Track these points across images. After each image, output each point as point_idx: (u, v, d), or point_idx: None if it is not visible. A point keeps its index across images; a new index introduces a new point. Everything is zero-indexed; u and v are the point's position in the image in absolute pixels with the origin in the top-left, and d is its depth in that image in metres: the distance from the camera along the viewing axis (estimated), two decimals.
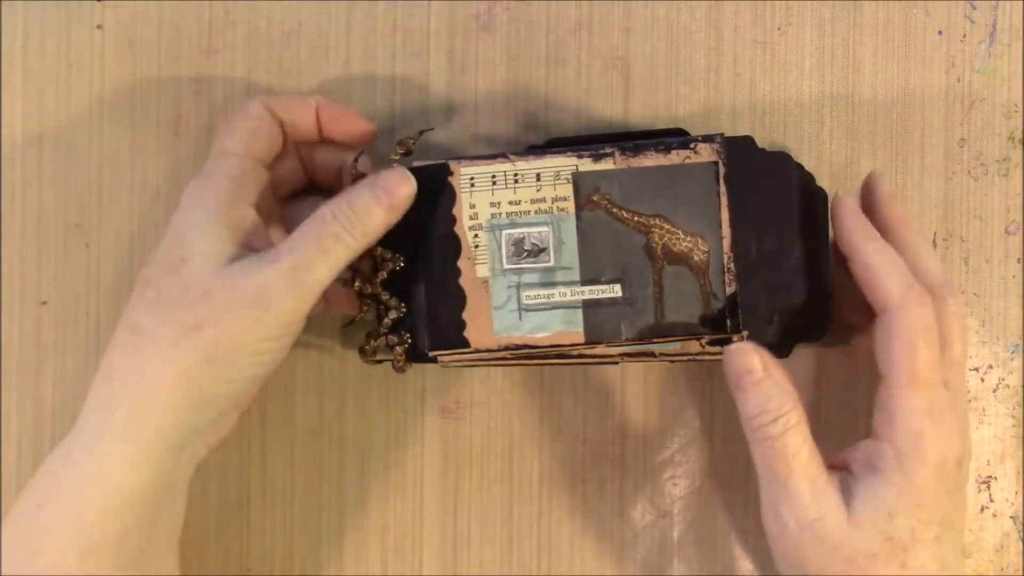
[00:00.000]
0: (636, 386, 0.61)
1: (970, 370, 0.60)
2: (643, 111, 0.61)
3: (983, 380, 0.60)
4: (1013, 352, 0.59)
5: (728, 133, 0.60)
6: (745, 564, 0.61)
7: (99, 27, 0.64)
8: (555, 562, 0.62)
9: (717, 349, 0.55)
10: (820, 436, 0.60)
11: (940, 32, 0.60)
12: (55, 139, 0.65)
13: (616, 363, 0.60)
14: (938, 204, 0.60)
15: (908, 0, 0.60)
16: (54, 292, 0.65)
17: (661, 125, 0.61)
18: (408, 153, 0.57)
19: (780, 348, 0.57)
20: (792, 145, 0.60)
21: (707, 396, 0.61)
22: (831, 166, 0.60)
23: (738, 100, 0.61)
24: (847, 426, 0.60)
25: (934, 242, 0.60)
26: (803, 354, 0.60)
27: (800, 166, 0.57)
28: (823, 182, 0.59)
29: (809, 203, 0.57)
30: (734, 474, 0.61)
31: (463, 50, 0.62)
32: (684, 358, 0.57)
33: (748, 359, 0.53)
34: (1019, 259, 0.59)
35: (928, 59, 0.60)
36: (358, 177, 0.56)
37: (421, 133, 0.59)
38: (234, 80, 0.64)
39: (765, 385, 0.53)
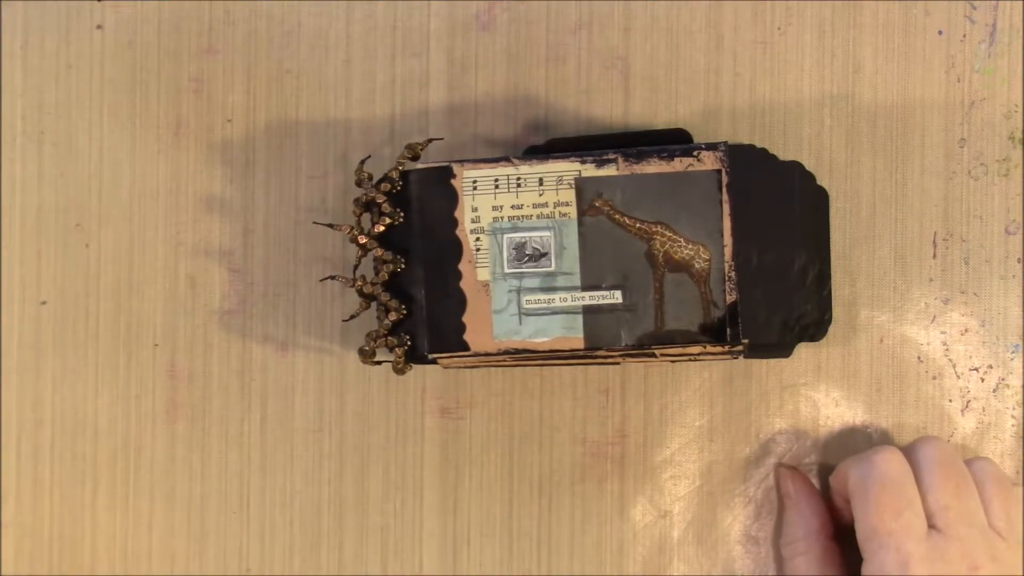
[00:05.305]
0: (636, 386, 0.61)
1: (970, 370, 0.60)
2: (643, 111, 0.61)
3: (983, 380, 0.60)
4: (1013, 352, 0.59)
5: (728, 133, 0.60)
6: (745, 564, 0.61)
7: (99, 27, 0.64)
8: (555, 562, 0.62)
9: (719, 349, 0.55)
10: (820, 436, 0.60)
11: (940, 32, 0.60)
12: (55, 139, 0.65)
13: (617, 363, 0.60)
14: (938, 204, 0.60)
15: (908, 0, 0.60)
16: (54, 292, 0.65)
17: (661, 125, 0.61)
18: (415, 158, 0.58)
19: (781, 348, 0.58)
20: (792, 145, 0.60)
21: (707, 396, 0.61)
22: (831, 166, 0.60)
23: (738, 100, 0.61)
24: (847, 426, 0.60)
25: (934, 242, 0.60)
26: (803, 354, 0.60)
27: (800, 165, 0.57)
28: (823, 182, 0.59)
29: (811, 206, 0.57)
30: (734, 474, 0.61)
31: (463, 50, 0.62)
32: (685, 358, 0.57)
33: (784, 484, 0.60)
34: (1019, 259, 0.59)
35: (928, 59, 0.60)
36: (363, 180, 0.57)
37: (430, 141, 0.59)
38: (234, 80, 0.64)
39: (791, 513, 0.59)
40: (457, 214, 0.55)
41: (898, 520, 0.52)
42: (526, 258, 0.55)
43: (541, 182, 0.55)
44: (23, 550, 0.66)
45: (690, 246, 0.54)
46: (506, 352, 0.55)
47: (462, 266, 0.56)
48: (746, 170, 0.55)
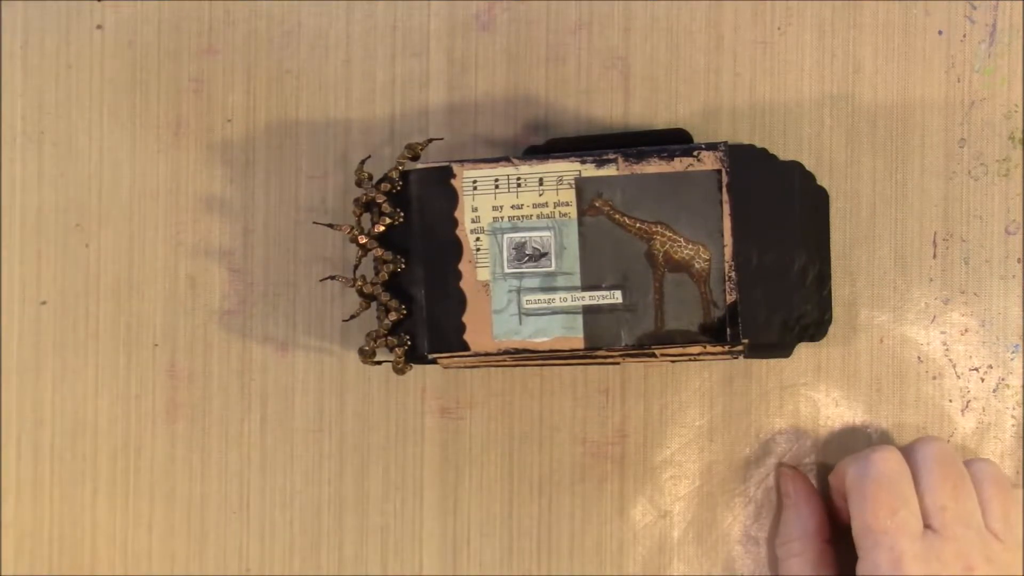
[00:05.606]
0: (636, 386, 0.61)
1: (970, 370, 0.60)
2: (643, 111, 0.61)
3: (983, 380, 0.60)
4: (1013, 352, 0.59)
5: (728, 133, 0.60)
6: (745, 564, 0.61)
7: (99, 27, 0.64)
8: (555, 562, 0.62)
9: (718, 349, 0.55)
10: (820, 436, 0.60)
11: (940, 32, 0.60)
12: (55, 139, 0.65)
13: (617, 363, 0.60)
14: (938, 204, 0.60)
15: (908, 0, 0.60)
16: (54, 292, 0.65)
17: (661, 125, 0.61)
18: (415, 158, 0.58)
19: (781, 348, 0.58)
20: (792, 145, 0.60)
21: (707, 396, 0.61)
22: (831, 166, 0.60)
23: (738, 100, 0.61)
24: (847, 426, 0.60)
25: (934, 242, 0.60)
26: (803, 354, 0.60)
27: (800, 165, 0.57)
28: (823, 182, 0.59)
29: (811, 206, 0.57)
30: (734, 474, 0.61)
31: (463, 50, 0.62)
32: (685, 358, 0.57)
33: (784, 484, 0.60)
34: (1019, 259, 0.59)
35: (928, 59, 0.60)
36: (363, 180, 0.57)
37: (430, 141, 0.59)
38: (234, 80, 0.64)
39: (789, 512, 0.59)
40: (457, 214, 0.55)
41: (893, 519, 0.52)
42: (526, 258, 0.55)
43: (541, 182, 0.55)
44: (23, 550, 0.66)
45: (690, 246, 0.54)
46: (506, 352, 0.55)
47: (462, 266, 0.55)
48: (746, 170, 0.55)
